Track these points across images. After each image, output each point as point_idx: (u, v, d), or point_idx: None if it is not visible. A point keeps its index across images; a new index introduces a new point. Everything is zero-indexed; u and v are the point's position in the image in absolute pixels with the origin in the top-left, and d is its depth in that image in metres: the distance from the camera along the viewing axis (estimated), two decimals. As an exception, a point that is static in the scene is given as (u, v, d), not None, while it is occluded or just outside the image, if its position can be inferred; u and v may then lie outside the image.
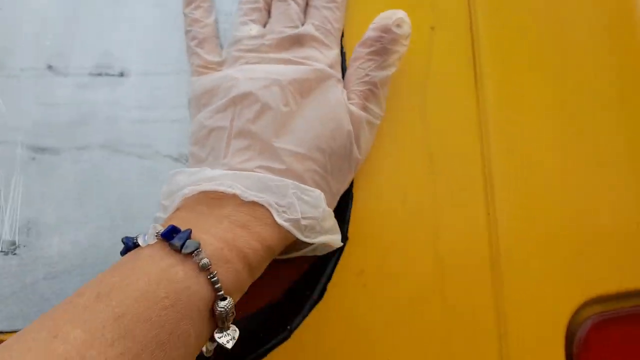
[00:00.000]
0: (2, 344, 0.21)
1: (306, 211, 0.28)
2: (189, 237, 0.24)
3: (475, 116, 0.34)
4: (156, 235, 0.25)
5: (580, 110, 0.35)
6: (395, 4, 0.35)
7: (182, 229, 0.25)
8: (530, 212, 0.34)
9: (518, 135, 0.34)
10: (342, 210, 0.33)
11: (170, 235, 0.24)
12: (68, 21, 0.36)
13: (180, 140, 0.34)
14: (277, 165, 0.29)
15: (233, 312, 0.25)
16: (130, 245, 0.26)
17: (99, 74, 0.36)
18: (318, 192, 0.29)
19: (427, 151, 0.34)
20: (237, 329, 0.26)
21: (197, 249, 0.24)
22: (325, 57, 0.32)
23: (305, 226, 0.28)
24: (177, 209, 0.28)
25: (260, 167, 0.29)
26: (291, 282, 0.33)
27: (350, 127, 0.31)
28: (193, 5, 0.35)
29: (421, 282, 0.33)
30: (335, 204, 0.32)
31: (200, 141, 0.31)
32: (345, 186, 0.33)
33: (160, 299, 0.22)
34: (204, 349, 0.26)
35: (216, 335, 0.25)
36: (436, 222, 0.33)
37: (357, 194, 0.33)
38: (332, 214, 0.30)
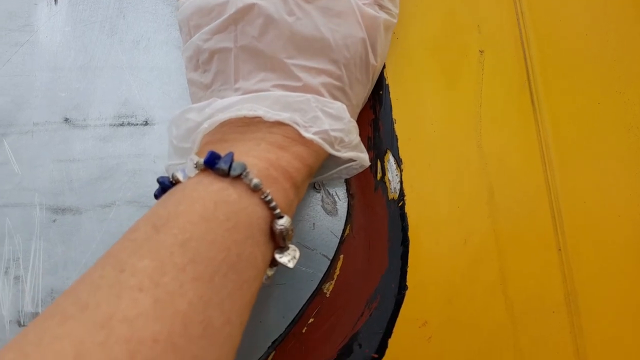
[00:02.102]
0: (69, 287, 0.21)
1: (332, 123, 0.28)
2: (233, 160, 0.24)
3: (536, 144, 0.34)
4: (196, 166, 0.25)
5: (645, 129, 0.35)
6: (438, 25, 0.36)
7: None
8: (604, 245, 0.33)
9: (584, 161, 0.34)
10: (398, 255, 0.33)
11: (212, 161, 0.24)
12: (83, 70, 0.37)
13: (214, 190, 0.34)
14: (292, 83, 0.28)
15: (292, 230, 0.25)
16: (167, 185, 0.26)
17: (121, 124, 0.36)
18: (339, 103, 0.29)
19: (486, 185, 0.34)
20: (296, 249, 0.26)
21: (244, 170, 0.24)
22: None
23: (335, 138, 0.28)
24: (205, 144, 0.28)
25: (275, 85, 0.28)
26: (346, 338, 0.33)
27: (364, 34, 0.30)
28: None
29: (492, 332, 0.32)
30: (356, 117, 0.32)
31: (202, 66, 0.30)
32: (365, 97, 0.32)
33: (221, 222, 0.22)
34: (264, 275, 0.26)
35: (277, 256, 0.26)
36: (502, 263, 0.33)
37: (413, 237, 0.33)
38: (357, 128, 0.30)
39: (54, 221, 0.34)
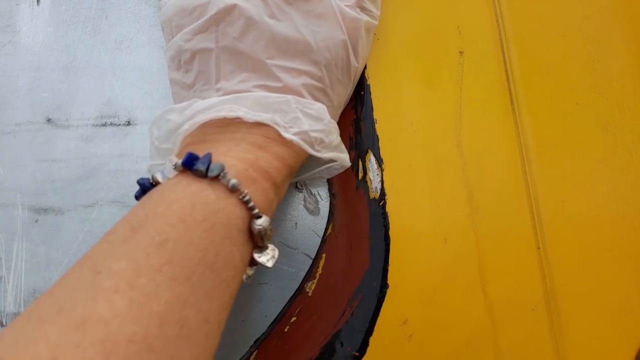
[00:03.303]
0: (46, 290, 0.21)
1: (312, 124, 0.28)
2: (211, 161, 0.24)
3: (515, 144, 0.35)
4: (174, 168, 0.25)
5: (624, 131, 0.36)
6: (419, 26, 0.36)
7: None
8: (583, 244, 0.34)
9: (563, 161, 0.35)
10: (380, 254, 0.33)
11: (191, 162, 0.24)
12: (66, 70, 0.37)
13: (196, 190, 0.34)
14: (273, 83, 0.29)
15: (270, 230, 0.26)
16: (147, 186, 0.26)
17: (104, 125, 0.36)
18: (319, 104, 0.29)
19: (466, 185, 0.34)
20: (275, 248, 0.27)
21: (222, 170, 0.24)
22: None
23: (315, 138, 0.28)
24: (185, 145, 0.29)
25: (256, 86, 0.29)
26: (328, 337, 0.33)
27: (345, 36, 0.30)
28: None
29: (471, 329, 0.33)
30: (337, 117, 0.32)
31: (184, 66, 0.30)
32: (347, 98, 0.33)
33: (199, 222, 0.23)
34: (244, 275, 0.26)
35: (255, 255, 0.26)
36: (482, 261, 0.34)
37: (394, 236, 0.33)
38: (338, 129, 0.31)
39: (36, 221, 0.35)
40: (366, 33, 0.32)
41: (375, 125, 0.35)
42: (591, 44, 0.37)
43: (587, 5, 0.37)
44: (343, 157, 0.31)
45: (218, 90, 0.29)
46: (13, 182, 0.35)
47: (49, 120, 0.36)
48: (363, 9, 0.32)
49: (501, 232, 0.34)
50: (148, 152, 0.35)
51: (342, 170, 0.32)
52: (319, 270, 0.34)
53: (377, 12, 0.33)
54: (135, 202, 0.33)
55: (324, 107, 0.29)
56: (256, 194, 0.26)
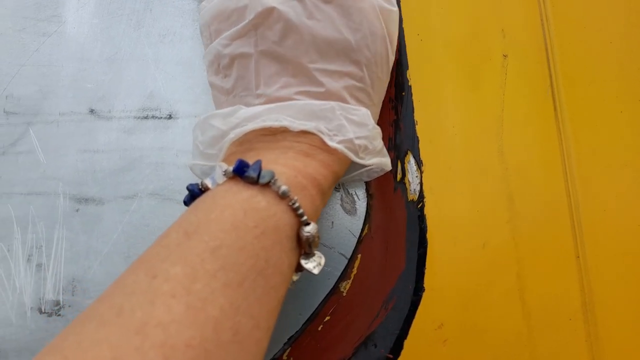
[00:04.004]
0: (104, 292, 0.21)
1: (357, 131, 0.28)
2: (261, 168, 0.25)
3: (557, 151, 0.34)
4: (224, 174, 0.25)
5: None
6: (463, 28, 0.36)
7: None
8: (623, 254, 0.33)
9: (605, 169, 0.34)
10: (416, 257, 0.33)
11: (241, 169, 0.25)
12: (110, 62, 0.37)
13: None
14: (315, 89, 0.28)
15: (318, 237, 0.26)
16: (196, 192, 0.26)
17: (146, 117, 0.36)
18: (364, 109, 0.29)
19: (506, 191, 0.34)
20: (322, 256, 0.27)
21: (273, 177, 0.24)
22: None
23: (359, 146, 0.28)
24: (231, 152, 0.29)
25: (298, 92, 0.28)
26: (361, 338, 0.33)
27: (385, 31, 0.30)
28: None
29: (508, 337, 0.33)
30: (377, 116, 0.32)
31: (223, 71, 0.30)
32: (384, 93, 0.33)
33: (250, 228, 0.23)
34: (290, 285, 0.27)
35: (302, 262, 0.26)
36: (521, 269, 0.33)
37: (432, 240, 0.33)
38: (381, 133, 0.31)
39: (77, 210, 0.35)
40: (395, 24, 0.32)
41: (416, 126, 0.35)
42: (637, 50, 0.36)
43: (633, 12, 0.36)
44: (385, 162, 0.31)
45: (259, 96, 0.29)
46: (55, 172, 0.36)
47: (92, 111, 0.37)
48: None
49: (541, 239, 0.34)
50: (188, 146, 0.36)
51: (382, 174, 0.32)
52: (354, 271, 0.34)
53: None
54: (175, 194, 0.34)
55: (368, 112, 0.29)
56: (305, 200, 0.26)
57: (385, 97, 0.35)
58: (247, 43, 0.29)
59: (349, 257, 0.34)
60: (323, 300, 0.34)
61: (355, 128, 0.28)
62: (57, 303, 0.34)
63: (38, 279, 0.34)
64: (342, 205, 0.35)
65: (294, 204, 0.25)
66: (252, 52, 0.29)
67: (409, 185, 0.34)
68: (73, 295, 0.34)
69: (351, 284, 0.34)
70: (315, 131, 0.27)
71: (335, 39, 0.28)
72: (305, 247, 0.26)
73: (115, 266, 0.34)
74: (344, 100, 0.29)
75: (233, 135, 0.28)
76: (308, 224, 0.25)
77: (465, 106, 0.35)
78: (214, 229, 0.23)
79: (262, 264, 0.23)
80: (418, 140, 0.35)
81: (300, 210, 0.25)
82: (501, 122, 0.35)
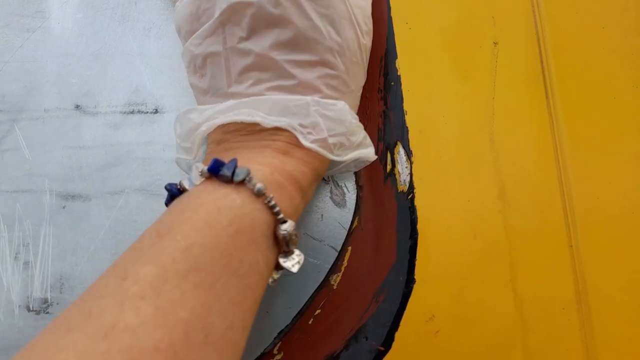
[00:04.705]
0: (79, 297, 0.21)
1: (332, 128, 0.27)
2: (237, 166, 0.24)
3: (549, 139, 0.34)
4: (201, 174, 0.25)
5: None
6: (452, 16, 0.35)
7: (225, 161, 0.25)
8: (617, 243, 0.33)
9: (598, 157, 0.34)
10: (407, 248, 0.33)
11: (217, 168, 0.24)
12: (95, 57, 0.37)
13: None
14: (287, 82, 0.28)
15: (296, 235, 0.25)
16: (175, 192, 0.26)
17: (131, 112, 0.36)
18: (341, 104, 0.28)
19: (498, 180, 0.33)
20: (301, 254, 0.27)
21: (248, 175, 0.24)
22: None
23: (334, 144, 0.28)
24: (210, 149, 0.29)
25: (270, 88, 0.28)
26: (353, 330, 0.33)
27: (351, 13, 0.29)
28: None
29: (500, 328, 0.32)
30: (358, 102, 0.32)
31: (198, 71, 0.30)
32: (363, 79, 0.32)
33: (224, 227, 0.23)
34: (270, 278, 0.27)
35: (281, 260, 0.26)
36: (513, 258, 0.33)
37: (423, 231, 0.33)
38: (361, 126, 0.30)
39: (64, 207, 0.35)
40: (367, 5, 0.31)
41: (405, 116, 0.34)
42: (630, 36, 0.35)
43: (626, -4, 0.36)
44: (367, 153, 0.30)
45: (232, 95, 0.28)
46: (41, 168, 0.35)
47: (77, 106, 0.36)
48: None
49: (533, 228, 0.33)
50: (174, 140, 0.35)
51: (368, 163, 0.31)
52: (345, 263, 0.34)
53: None
54: (162, 189, 0.34)
55: (345, 105, 0.29)
56: (282, 198, 0.26)
57: (374, 88, 0.35)
58: (216, 41, 0.28)
59: (339, 249, 0.34)
60: (313, 293, 0.33)
61: (330, 124, 0.28)
62: (45, 301, 0.33)
63: (25, 277, 0.34)
64: (331, 198, 0.35)
65: (269, 201, 0.24)
66: (221, 50, 0.28)
67: (399, 176, 0.34)
68: (61, 292, 0.33)
69: (341, 276, 0.34)
70: (289, 128, 0.27)
71: (305, 27, 0.27)
72: (282, 246, 0.25)
73: (103, 263, 0.34)
74: (318, 91, 0.28)
75: (205, 128, 0.28)
76: (285, 222, 0.25)
77: (455, 95, 0.35)
78: (187, 228, 0.22)
79: (235, 264, 0.22)
80: (407, 131, 0.34)
81: (277, 209, 0.24)
82: (492, 111, 0.34)
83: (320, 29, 0.28)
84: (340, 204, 0.35)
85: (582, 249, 0.33)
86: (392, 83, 0.35)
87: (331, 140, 0.27)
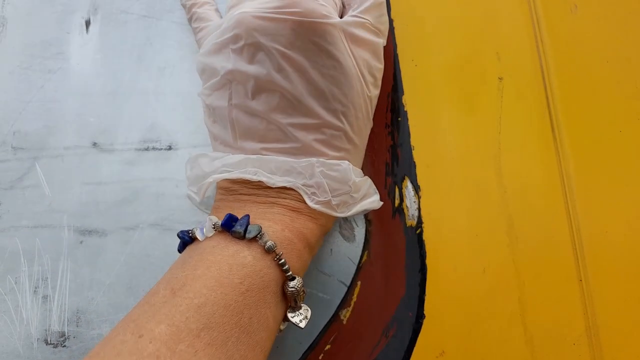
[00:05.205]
0: (91, 351, 0.22)
1: (336, 188, 0.28)
2: (249, 223, 0.25)
3: (556, 172, 0.34)
4: (214, 227, 0.26)
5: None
6: (457, 52, 0.36)
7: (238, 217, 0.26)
8: (627, 277, 0.33)
9: (606, 190, 0.34)
10: (416, 283, 0.33)
11: (229, 223, 0.25)
12: (112, 96, 0.38)
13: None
14: (290, 145, 0.28)
15: (304, 291, 0.26)
16: (187, 240, 0.27)
17: (146, 149, 0.37)
18: (345, 164, 0.29)
19: (505, 214, 0.33)
20: (309, 309, 0.27)
21: (260, 232, 0.25)
22: None
23: (338, 204, 0.28)
24: (219, 196, 0.30)
25: (275, 150, 0.28)
26: (362, 367, 0.33)
27: (357, 70, 0.29)
28: None
29: (510, 363, 0.32)
30: (363, 155, 0.32)
31: (211, 117, 0.31)
32: (369, 128, 0.32)
33: (236, 285, 0.23)
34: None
35: (289, 315, 0.27)
36: (522, 293, 0.33)
37: (431, 265, 0.33)
38: (366, 180, 0.31)
39: (81, 242, 0.36)
40: (375, 56, 0.31)
41: (413, 151, 0.35)
42: (634, 69, 0.35)
43: (630, 30, 0.36)
44: (371, 204, 0.31)
45: (236, 149, 0.29)
46: (60, 204, 0.36)
47: (94, 144, 0.37)
48: (373, 29, 0.31)
49: (542, 262, 0.33)
50: (188, 176, 0.36)
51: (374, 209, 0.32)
52: (354, 298, 0.34)
53: (383, 27, 0.32)
54: (175, 224, 0.34)
55: (349, 166, 0.29)
56: (291, 255, 0.26)
57: (381, 123, 0.36)
58: (223, 96, 0.29)
59: (348, 284, 0.34)
60: (323, 328, 0.34)
61: (334, 185, 0.28)
62: (62, 334, 0.34)
63: (44, 311, 0.35)
64: (340, 232, 0.35)
65: (279, 259, 0.25)
66: (226, 106, 0.29)
67: (407, 210, 0.34)
68: (77, 326, 0.34)
69: (351, 311, 0.34)
70: (294, 188, 0.28)
71: (308, 91, 0.28)
72: (290, 301, 0.26)
73: (118, 297, 0.34)
74: (322, 153, 0.29)
75: (211, 179, 0.29)
76: (293, 278, 0.26)
77: (461, 130, 0.35)
78: (199, 286, 0.23)
79: (246, 321, 0.23)
80: (415, 166, 0.35)
81: (286, 266, 0.25)
82: (498, 145, 0.35)
83: (324, 92, 0.28)
84: (350, 238, 0.35)
85: (592, 283, 0.33)
86: (399, 119, 0.35)
87: (335, 201, 0.28)
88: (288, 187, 0.28)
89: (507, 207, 0.34)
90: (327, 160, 0.28)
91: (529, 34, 0.36)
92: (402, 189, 0.35)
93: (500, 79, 0.35)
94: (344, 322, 0.34)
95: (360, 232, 0.35)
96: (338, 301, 0.34)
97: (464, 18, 0.37)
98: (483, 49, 0.36)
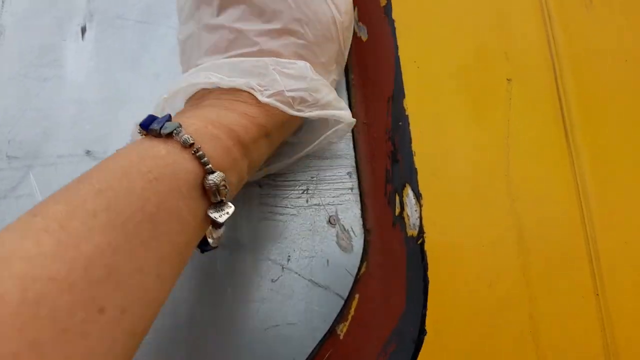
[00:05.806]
0: None
1: (290, 84, 0.28)
2: (167, 121, 0.25)
3: (570, 179, 0.32)
4: (139, 132, 0.26)
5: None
6: (462, 52, 0.34)
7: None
8: (649, 291, 0.30)
9: (624, 199, 0.31)
10: (418, 297, 0.31)
11: (147, 123, 0.25)
12: (107, 103, 0.37)
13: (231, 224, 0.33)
14: (248, 49, 0.29)
15: (225, 186, 0.25)
16: None
17: (139, 157, 0.36)
18: (302, 62, 0.29)
19: (515, 224, 0.31)
20: (232, 206, 0.26)
21: (176, 128, 0.24)
22: None
23: (294, 98, 0.28)
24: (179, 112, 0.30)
25: (232, 56, 0.29)
26: (360, 387, 0.31)
27: None
28: None
29: (521, 384, 0.30)
30: (329, 77, 0.32)
31: (185, 55, 0.32)
32: (341, 58, 0.33)
33: (144, 174, 0.23)
34: (210, 239, 0.27)
35: (209, 211, 0.26)
36: (533, 309, 0.30)
37: (434, 277, 0.31)
38: (328, 86, 0.30)
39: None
40: None
41: (414, 157, 0.33)
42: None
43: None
44: (340, 114, 0.30)
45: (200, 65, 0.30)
46: (52, 213, 0.36)
47: (88, 152, 0.37)
48: None
49: (555, 276, 0.31)
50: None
51: (349, 129, 0.32)
52: (352, 312, 0.32)
53: None
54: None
55: (307, 64, 0.29)
56: (215, 150, 0.26)
57: (381, 128, 0.34)
58: (192, 24, 0.31)
59: (345, 297, 0.33)
60: (318, 343, 0.32)
61: (289, 81, 0.28)
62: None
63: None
64: (337, 242, 0.33)
65: (196, 151, 0.24)
66: (195, 30, 0.31)
67: (408, 219, 0.32)
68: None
69: (348, 326, 0.32)
70: (245, 88, 0.28)
71: (272, 0, 0.29)
72: (210, 196, 0.25)
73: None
74: (281, 56, 0.29)
75: (166, 94, 0.29)
76: (212, 172, 0.25)
77: (467, 134, 0.33)
78: (104, 174, 0.23)
79: (151, 208, 0.22)
80: (416, 172, 0.33)
81: (204, 159, 0.25)
82: (507, 150, 0.33)
83: (288, 1, 0.29)
84: (347, 248, 0.33)
85: (610, 297, 0.30)
86: (400, 123, 0.33)
87: (289, 94, 0.28)
88: (237, 87, 0.28)
89: (516, 216, 0.31)
90: (283, 60, 0.29)
91: (539, 32, 0.34)
92: (402, 196, 0.33)
93: (509, 80, 0.34)
94: (341, 337, 0.32)
95: (358, 242, 0.33)
96: (334, 315, 0.32)
97: (469, 16, 0.35)
98: (490, 49, 0.34)
